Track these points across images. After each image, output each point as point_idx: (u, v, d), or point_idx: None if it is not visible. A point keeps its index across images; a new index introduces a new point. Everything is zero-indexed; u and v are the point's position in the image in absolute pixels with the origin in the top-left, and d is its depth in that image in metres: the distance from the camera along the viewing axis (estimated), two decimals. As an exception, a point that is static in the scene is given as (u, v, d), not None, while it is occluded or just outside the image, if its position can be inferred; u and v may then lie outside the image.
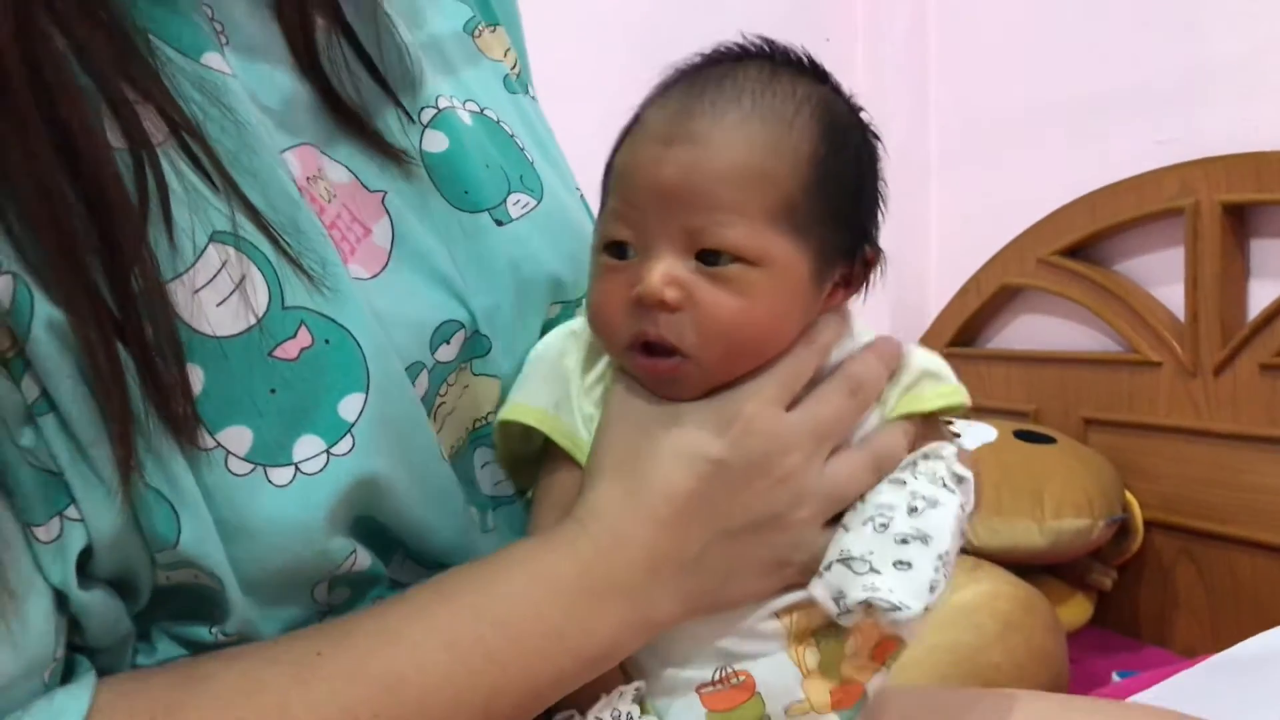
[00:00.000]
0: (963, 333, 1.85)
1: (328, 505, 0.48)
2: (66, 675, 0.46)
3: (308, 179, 0.52)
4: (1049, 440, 1.54)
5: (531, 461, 0.60)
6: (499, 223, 0.59)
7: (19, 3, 0.41)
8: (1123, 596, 1.57)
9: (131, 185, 0.44)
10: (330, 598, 0.53)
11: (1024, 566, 1.43)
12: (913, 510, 0.54)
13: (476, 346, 0.57)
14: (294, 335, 0.48)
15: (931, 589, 0.51)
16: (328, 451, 0.49)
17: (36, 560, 0.43)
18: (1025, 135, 1.78)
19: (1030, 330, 1.79)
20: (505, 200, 0.60)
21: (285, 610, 0.51)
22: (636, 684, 0.55)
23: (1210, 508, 1.46)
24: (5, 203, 0.41)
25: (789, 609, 0.55)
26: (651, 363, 0.53)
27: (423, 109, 0.59)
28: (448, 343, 0.55)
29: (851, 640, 0.56)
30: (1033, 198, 1.69)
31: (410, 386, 0.52)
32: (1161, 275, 1.56)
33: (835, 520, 0.56)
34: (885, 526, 0.54)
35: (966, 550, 1.44)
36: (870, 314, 0.61)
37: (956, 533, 0.54)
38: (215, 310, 0.46)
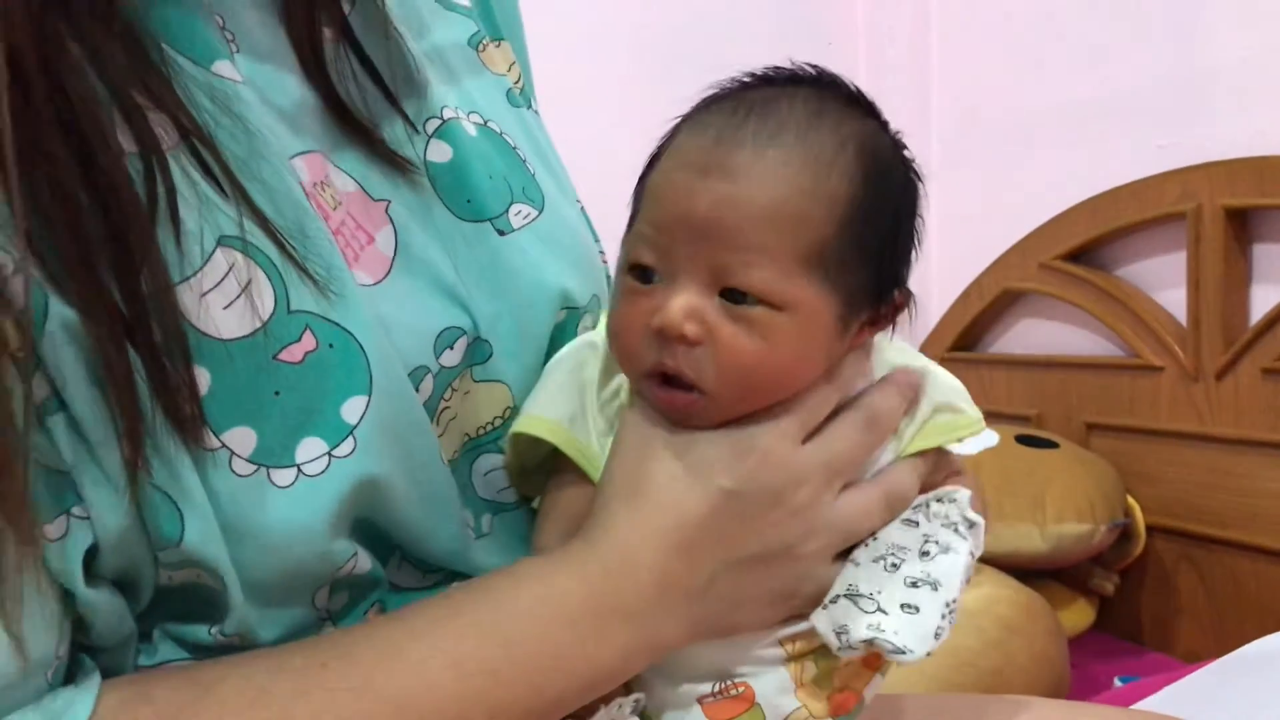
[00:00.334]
0: (964, 337, 1.85)
1: (329, 507, 0.49)
2: (69, 675, 0.46)
3: (315, 185, 0.53)
4: (1051, 445, 1.54)
5: (539, 470, 0.60)
6: (501, 232, 0.60)
7: (38, 11, 0.42)
8: (1124, 601, 1.57)
9: (141, 189, 0.44)
10: (330, 602, 0.53)
11: (1026, 571, 1.44)
12: (925, 554, 0.54)
13: (478, 353, 0.57)
14: (299, 339, 0.48)
15: (936, 636, 0.51)
16: (329, 454, 0.49)
17: (41, 558, 0.44)
18: (1027, 139, 1.78)
19: (1032, 335, 1.79)
20: (507, 210, 0.61)
21: (285, 613, 0.51)
22: (636, 696, 0.55)
23: (1212, 512, 1.46)
24: (20, 205, 0.41)
25: (791, 637, 0.55)
26: (669, 395, 0.52)
27: (428, 119, 0.60)
28: (451, 348, 0.55)
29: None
30: (1034, 202, 1.70)
31: (413, 390, 0.53)
32: (1163, 280, 1.56)
33: (844, 555, 0.55)
34: (896, 567, 0.54)
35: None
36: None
37: (965, 580, 0.54)
38: (222, 313, 0.47)
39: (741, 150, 0.51)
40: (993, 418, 1.85)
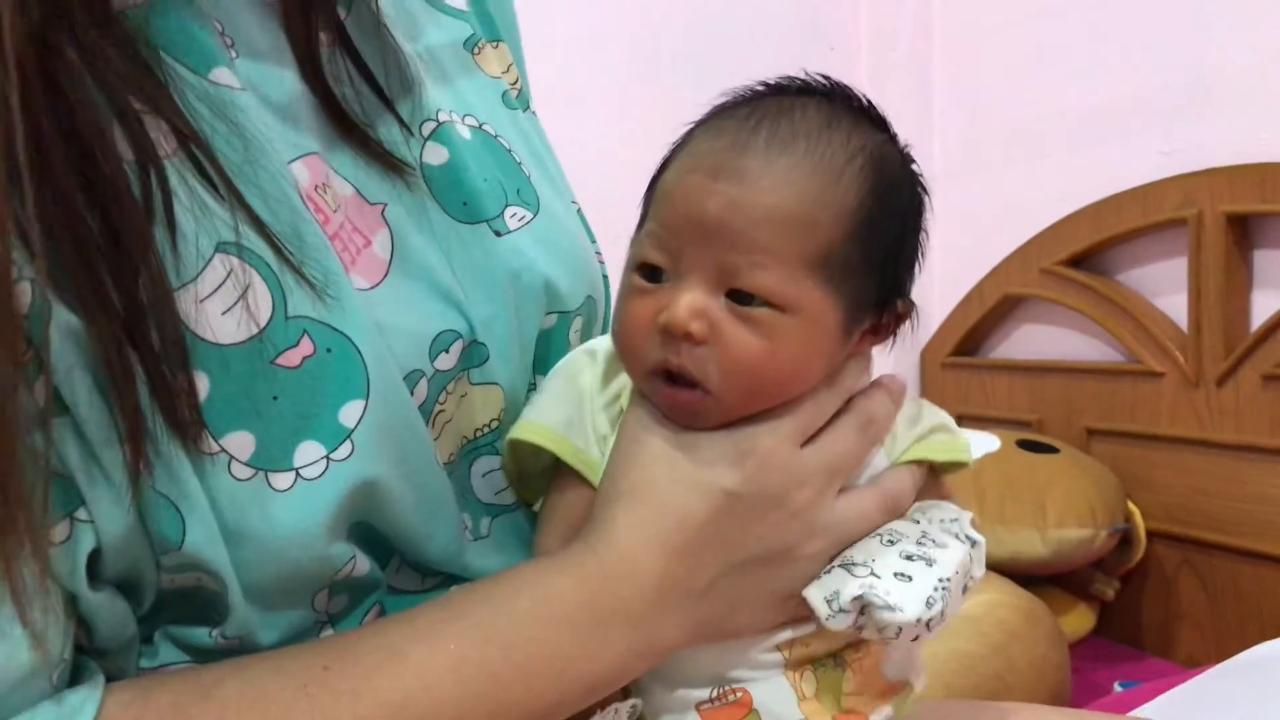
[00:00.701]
0: (966, 342, 1.85)
1: (327, 510, 0.49)
2: (74, 678, 0.47)
3: (315, 188, 0.53)
4: (1052, 450, 1.54)
5: (539, 475, 0.60)
6: (497, 234, 0.60)
7: (37, 19, 0.42)
8: (1125, 607, 1.57)
9: (139, 195, 0.45)
10: (329, 605, 0.53)
11: (1027, 576, 1.44)
12: (921, 541, 0.55)
13: (474, 355, 0.58)
14: (296, 344, 0.49)
15: (929, 604, 0.51)
16: (327, 457, 0.49)
17: (44, 561, 0.44)
18: (1029, 145, 1.78)
19: (1033, 340, 1.79)
20: (503, 213, 0.61)
21: (285, 615, 0.51)
22: (633, 701, 0.56)
23: (1213, 518, 1.46)
24: (23, 210, 0.42)
25: (790, 642, 0.56)
26: (672, 392, 0.53)
27: (423, 122, 0.60)
28: (446, 351, 0.56)
29: (852, 675, 0.56)
30: (1036, 208, 1.70)
31: (408, 394, 0.53)
32: (1165, 286, 1.56)
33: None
34: (892, 543, 0.55)
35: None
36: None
37: (963, 575, 0.54)
38: (220, 319, 0.47)
39: (753, 155, 0.52)
40: (994, 423, 1.85)
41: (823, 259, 0.52)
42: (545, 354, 0.62)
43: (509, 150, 0.65)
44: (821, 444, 0.55)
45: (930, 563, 0.53)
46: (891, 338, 0.59)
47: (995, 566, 1.43)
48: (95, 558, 0.46)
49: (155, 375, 0.44)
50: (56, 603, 0.44)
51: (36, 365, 0.43)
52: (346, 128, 0.56)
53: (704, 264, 0.52)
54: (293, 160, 0.53)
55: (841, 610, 0.52)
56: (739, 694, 0.55)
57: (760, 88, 0.57)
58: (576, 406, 0.58)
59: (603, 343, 0.61)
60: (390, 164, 0.57)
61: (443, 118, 0.61)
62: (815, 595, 0.53)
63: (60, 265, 0.43)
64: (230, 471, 0.47)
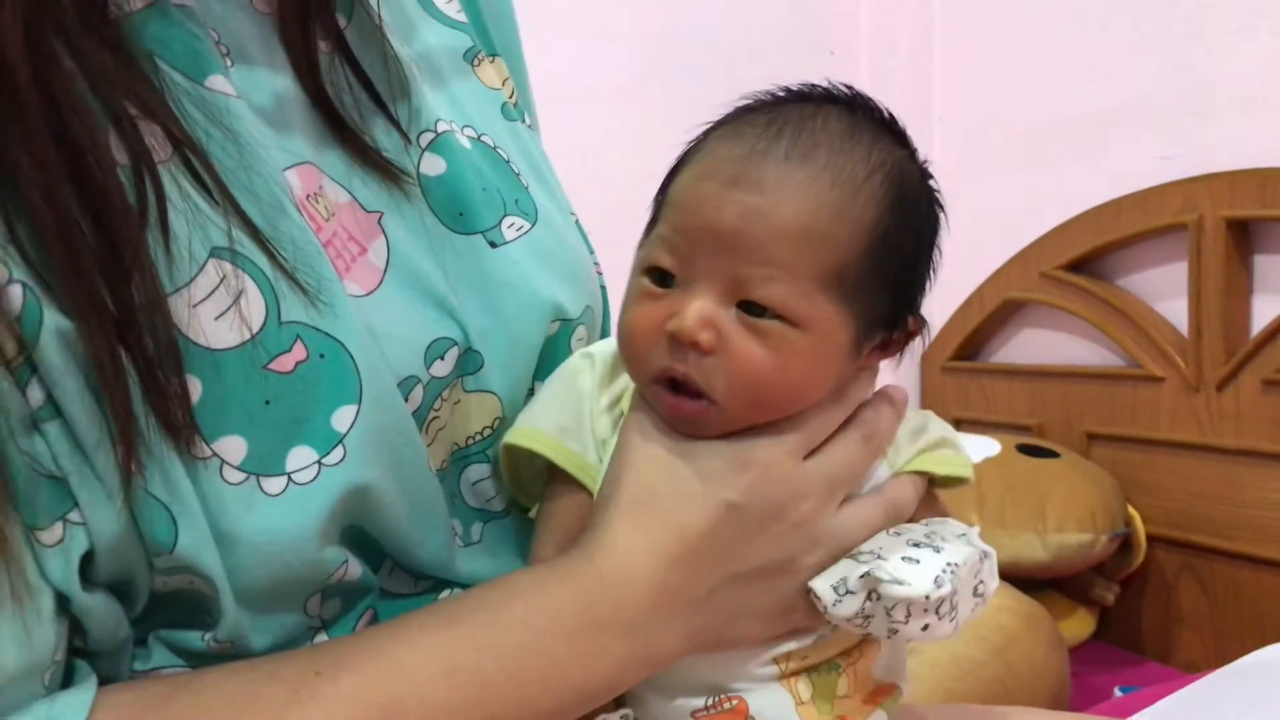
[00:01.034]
0: (966, 346, 1.85)
1: (319, 515, 0.49)
2: (66, 680, 0.47)
3: (308, 196, 0.53)
4: (1052, 454, 1.54)
5: (534, 480, 0.60)
6: (493, 245, 0.60)
7: (31, 25, 0.43)
8: (1125, 611, 1.57)
9: (133, 199, 0.45)
10: (322, 610, 0.53)
11: (1026, 581, 1.43)
12: (929, 536, 0.55)
13: (469, 363, 0.58)
14: (289, 349, 0.49)
15: (938, 583, 0.51)
16: (319, 462, 0.49)
17: (39, 563, 0.44)
18: (1029, 150, 1.78)
19: (1033, 344, 1.79)
20: (500, 223, 0.61)
21: (277, 620, 0.51)
22: (623, 712, 0.55)
23: (1213, 523, 1.46)
24: (16, 214, 0.42)
25: (787, 655, 0.55)
26: (676, 401, 0.52)
27: (421, 133, 0.60)
28: (442, 359, 0.56)
29: (845, 680, 0.56)
30: (1036, 212, 1.70)
31: (402, 400, 0.53)
32: (1165, 290, 1.56)
33: None
34: (899, 535, 0.55)
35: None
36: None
37: (972, 573, 0.54)
38: (213, 323, 0.47)
39: (773, 165, 0.51)
40: (994, 427, 1.85)
41: (838, 275, 0.52)
42: (549, 362, 0.62)
43: (507, 161, 0.65)
44: (825, 456, 0.55)
45: (938, 550, 0.53)
46: (900, 353, 0.58)
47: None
48: (88, 560, 0.46)
49: (148, 378, 0.45)
50: (48, 605, 0.44)
51: (29, 367, 0.43)
52: (343, 135, 0.56)
53: (716, 273, 0.51)
54: (287, 168, 0.53)
55: (849, 592, 0.52)
56: (734, 702, 0.55)
57: (782, 93, 0.57)
58: (574, 411, 0.58)
59: (601, 346, 0.60)
60: (387, 172, 0.57)
61: (441, 128, 0.61)
62: (821, 584, 0.53)
63: (53, 268, 0.43)
64: (222, 475, 0.47)
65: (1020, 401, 1.74)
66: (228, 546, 0.47)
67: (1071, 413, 1.65)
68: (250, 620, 0.50)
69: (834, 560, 0.55)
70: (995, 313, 1.79)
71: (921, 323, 0.58)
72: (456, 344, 0.56)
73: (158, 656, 0.51)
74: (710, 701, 0.55)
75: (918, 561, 0.52)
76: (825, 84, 0.57)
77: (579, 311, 0.64)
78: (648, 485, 0.53)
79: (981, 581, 0.55)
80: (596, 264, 0.70)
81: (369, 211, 0.56)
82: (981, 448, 1.55)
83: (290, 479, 0.49)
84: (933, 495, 0.60)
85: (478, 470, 0.61)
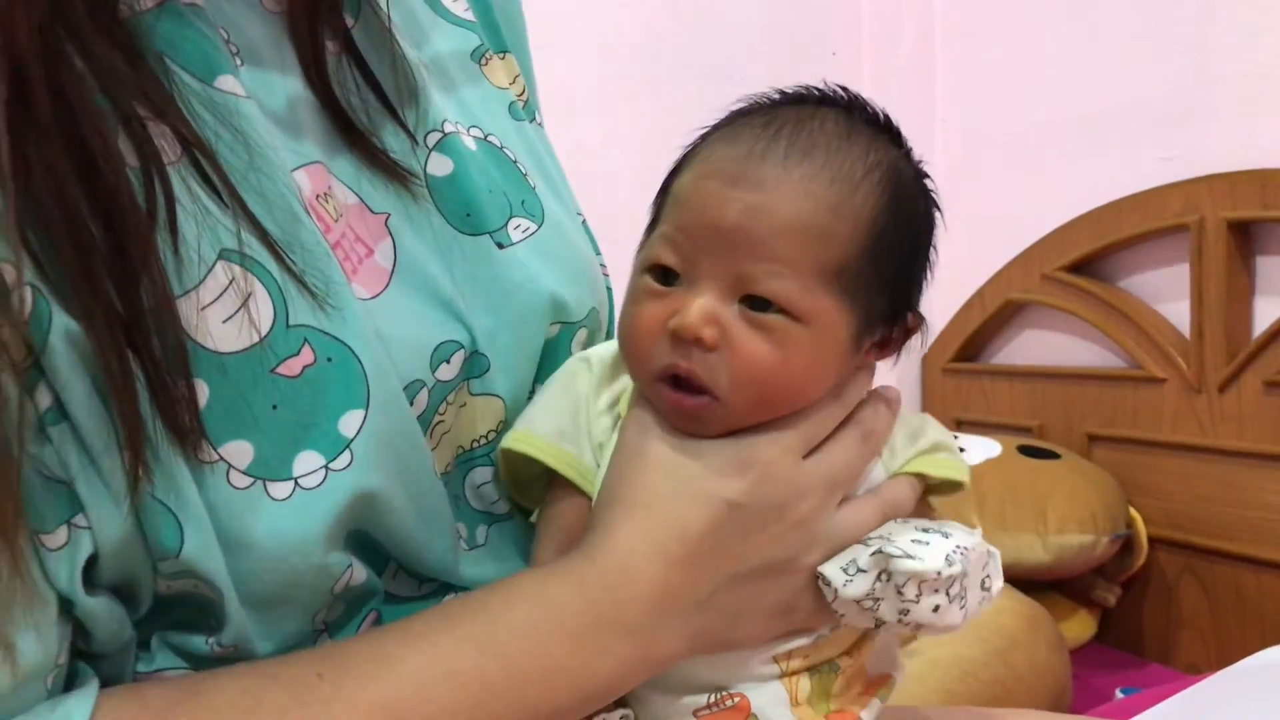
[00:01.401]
0: (967, 347, 1.85)
1: (326, 520, 0.49)
2: (69, 683, 0.47)
3: (317, 197, 0.53)
4: (1053, 456, 1.54)
5: (534, 484, 0.60)
6: (500, 245, 0.60)
7: (43, 25, 0.43)
8: (1126, 613, 1.57)
9: (142, 201, 0.45)
10: (327, 613, 0.53)
11: (1028, 582, 1.43)
12: (937, 525, 0.55)
13: (475, 366, 0.58)
14: (297, 353, 0.49)
15: (949, 561, 0.51)
16: (326, 467, 0.49)
17: (43, 567, 0.44)
18: (1031, 151, 1.78)
19: (1034, 345, 1.79)
20: (507, 224, 0.61)
21: (282, 624, 0.51)
22: (622, 712, 0.55)
23: (1214, 524, 1.46)
24: (26, 215, 0.42)
25: (788, 654, 0.56)
26: (678, 397, 0.52)
27: (428, 133, 0.60)
28: (447, 362, 0.56)
29: (842, 676, 0.56)
30: (1038, 213, 1.70)
31: (408, 405, 0.53)
32: (1166, 292, 1.56)
33: None
34: (906, 522, 0.55)
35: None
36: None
37: (980, 564, 0.54)
38: (221, 327, 0.47)
39: (772, 164, 0.52)
40: (995, 428, 1.85)
41: (838, 270, 0.52)
42: (549, 365, 0.62)
43: (514, 161, 0.65)
44: (823, 455, 0.55)
45: (946, 535, 0.53)
46: (897, 352, 0.59)
47: (996, 572, 1.43)
48: (92, 563, 0.46)
49: (156, 382, 0.44)
50: (53, 609, 0.44)
51: (37, 371, 0.43)
52: (351, 136, 0.56)
53: (718, 270, 0.52)
54: (295, 169, 0.53)
55: (860, 571, 0.52)
56: (736, 699, 0.55)
57: (778, 96, 0.57)
58: (571, 414, 0.58)
59: (599, 349, 0.60)
60: (394, 173, 0.57)
61: (448, 128, 0.61)
62: (830, 568, 0.53)
63: (62, 271, 0.43)
64: (229, 480, 0.47)
65: (1021, 403, 1.74)
66: (233, 551, 0.47)
67: (1073, 414, 1.65)
68: (255, 624, 0.50)
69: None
70: (996, 314, 1.79)
71: (920, 320, 0.58)
72: (463, 347, 0.56)
73: (161, 658, 0.51)
74: (712, 699, 0.55)
75: (927, 543, 0.52)
76: (822, 86, 0.57)
77: (584, 313, 0.63)
78: (648, 485, 0.53)
79: (988, 575, 0.55)
80: (603, 264, 0.70)
81: (376, 213, 0.56)
82: (982, 449, 1.55)
83: (297, 484, 0.48)
84: (926, 503, 0.61)
85: (482, 474, 0.61)
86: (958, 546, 0.52)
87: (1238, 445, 1.43)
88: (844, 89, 0.57)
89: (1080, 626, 1.51)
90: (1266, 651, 1.05)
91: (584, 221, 0.71)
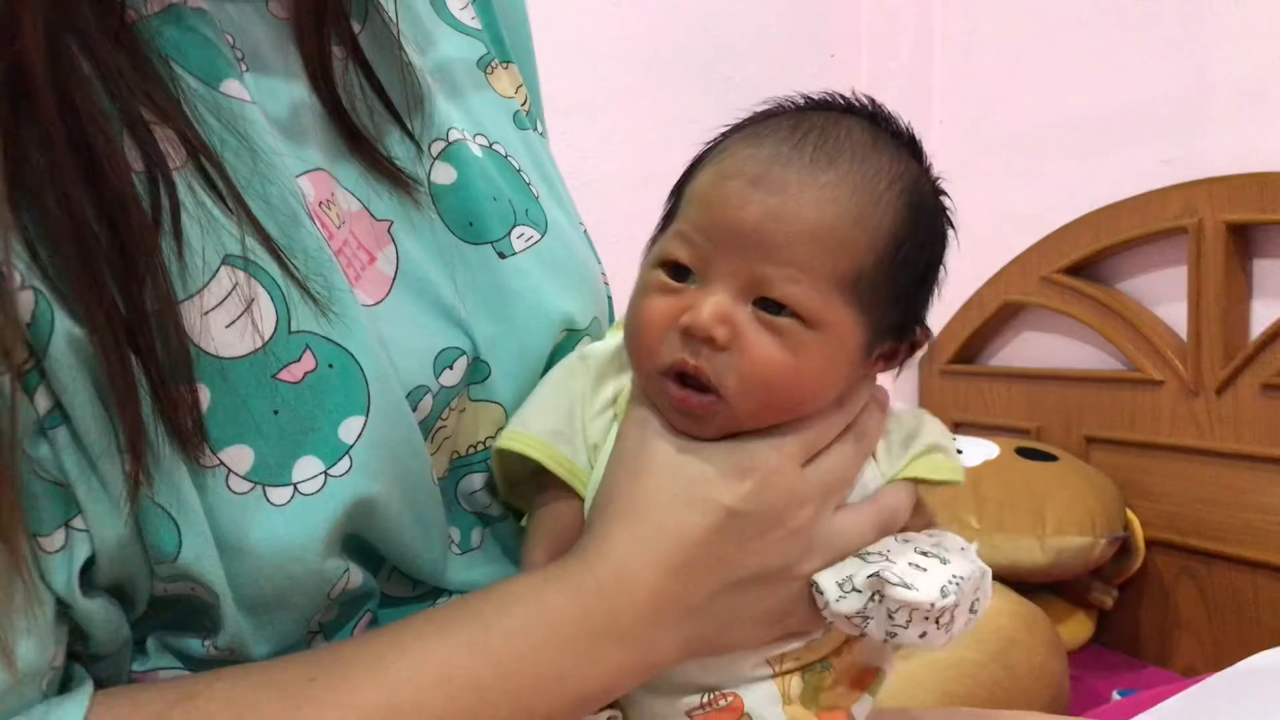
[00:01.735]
0: (965, 349, 1.85)
1: (324, 526, 0.49)
2: (64, 685, 0.47)
3: (320, 203, 0.53)
4: (1051, 458, 1.54)
5: (527, 484, 0.60)
6: (502, 255, 0.60)
7: (50, 29, 0.43)
8: (1124, 615, 1.57)
9: (147, 205, 0.45)
10: (323, 615, 0.53)
11: (1025, 584, 1.43)
12: (936, 546, 0.55)
13: (476, 372, 0.58)
14: (299, 359, 0.49)
15: (944, 593, 0.51)
16: (326, 473, 0.49)
17: (41, 569, 0.44)
18: (1029, 153, 1.79)
19: (1032, 348, 1.79)
20: (509, 233, 0.61)
21: (278, 627, 0.51)
22: (610, 713, 0.55)
23: (1212, 527, 1.46)
24: (30, 219, 0.42)
25: (780, 656, 0.56)
26: (684, 395, 0.52)
27: (433, 141, 0.60)
28: (450, 368, 0.56)
29: (832, 673, 0.56)
30: (1036, 215, 1.70)
31: (409, 411, 0.53)
32: (1164, 294, 1.56)
33: None
34: (906, 541, 0.55)
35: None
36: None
37: (973, 588, 0.54)
38: (223, 332, 0.47)
39: (797, 168, 0.52)
40: (993, 430, 1.85)
41: (854, 279, 0.52)
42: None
43: (519, 170, 0.65)
44: (820, 462, 0.55)
45: (944, 561, 0.53)
46: (902, 365, 0.59)
47: (994, 574, 1.42)
48: (88, 565, 0.46)
49: (158, 386, 0.44)
50: (50, 612, 0.44)
51: (38, 374, 0.43)
52: (356, 143, 0.56)
53: (734, 270, 0.51)
54: (299, 175, 0.53)
55: (854, 590, 0.52)
56: (729, 699, 0.55)
57: (804, 101, 0.57)
58: (566, 414, 0.58)
59: (595, 349, 0.60)
60: (398, 180, 0.57)
61: (454, 136, 0.61)
62: (827, 579, 0.53)
63: (65, 274, 0.43)
64: (228, 485, 0.47)
65: (1019, 405, 1.74)
66: (231, 556, 0.47)
67: (1070, 416, 1.66)
68: (251, 628, 0.50)
69: (831, 564, 0.55)
70: (994, 316, 1.79)
71: (927, 335, 0.58)
72: (465, 353, 0.56)
73: (156, 659, 0.51)
74: (705, 700, 0.55)
75: (925, 570, 0.52)
76: (848, 95, 0.57)
77: (587, 322, 0.63)
78: (646, 491, 0.53)
79: (978, 599, 0.55)
80: (604, 274, 0.70)
81: (379, 220, 0.56)
82: (980, 451, 1.55)
83: (296, 489, 0.48)
84: (922, 504, 0.60)
85: (477, 479, 0.60)
86: (954, 577, 0.52)
87: (1235, 448, 1.43)
88: (870, 99, 0.57)
89: (1078, 628, 1.51)
90: (1263, 654, 1.05)
91: (585, 231, 0.71)
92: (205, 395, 0.46)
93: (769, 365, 0.51)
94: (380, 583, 0.56)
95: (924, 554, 0.54)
